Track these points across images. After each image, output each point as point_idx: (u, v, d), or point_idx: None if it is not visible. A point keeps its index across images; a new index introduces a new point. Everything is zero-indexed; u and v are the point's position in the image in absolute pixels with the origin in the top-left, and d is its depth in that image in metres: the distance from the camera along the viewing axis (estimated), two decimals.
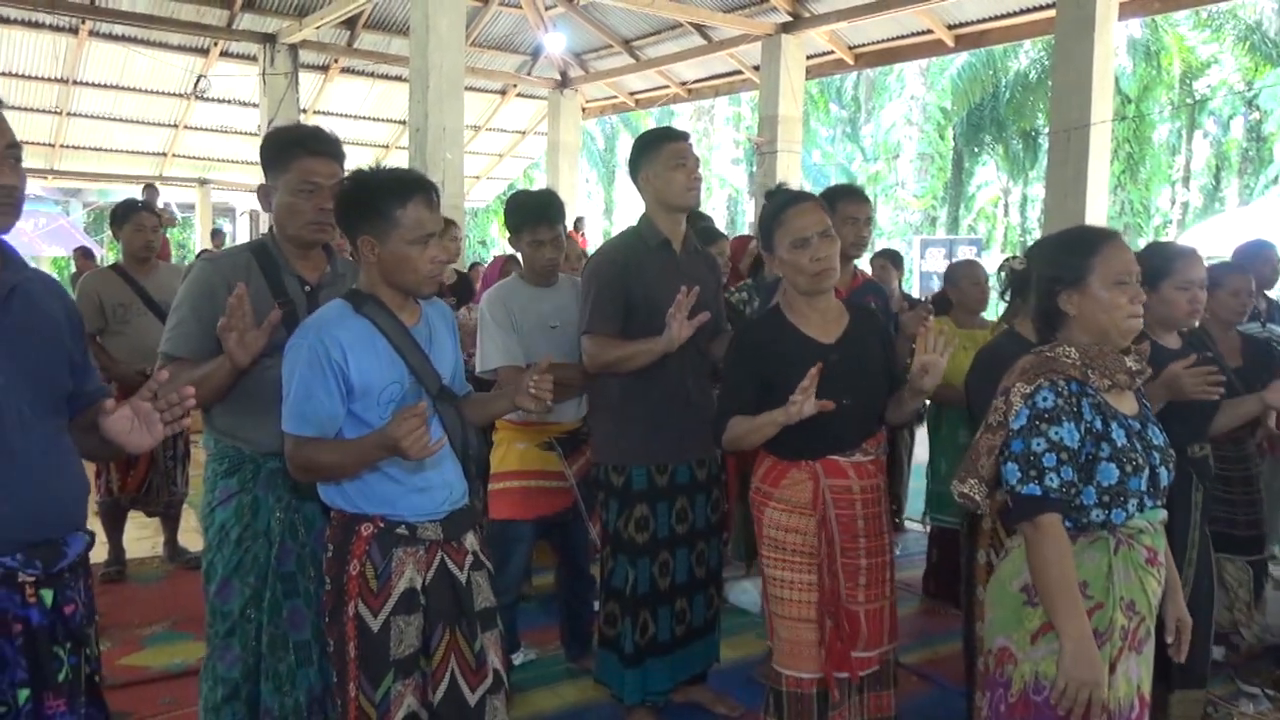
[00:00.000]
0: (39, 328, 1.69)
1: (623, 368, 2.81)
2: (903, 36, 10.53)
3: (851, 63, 11.37)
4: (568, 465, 3.16)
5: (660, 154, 2.87)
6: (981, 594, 2.61)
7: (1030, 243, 4.08)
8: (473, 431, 2.22)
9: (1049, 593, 1.84)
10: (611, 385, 2.91)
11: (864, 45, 11.01)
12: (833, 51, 11.09)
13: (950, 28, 10.05)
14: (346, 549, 2.05)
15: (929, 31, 10.13)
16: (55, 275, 17.76)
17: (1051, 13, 8.29)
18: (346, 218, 2.06)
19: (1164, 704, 2.77)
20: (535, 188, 6.81)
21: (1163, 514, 1.96)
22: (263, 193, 2.37)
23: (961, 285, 4.05)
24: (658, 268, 2.86)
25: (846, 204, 3.23)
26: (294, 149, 2.29)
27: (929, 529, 4.33)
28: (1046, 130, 9.48)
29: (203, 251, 11.36)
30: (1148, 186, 20.86)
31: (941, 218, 23.71)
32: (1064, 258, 1.99)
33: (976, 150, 23.14)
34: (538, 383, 2.09)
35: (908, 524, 5.31)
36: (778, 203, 2.46)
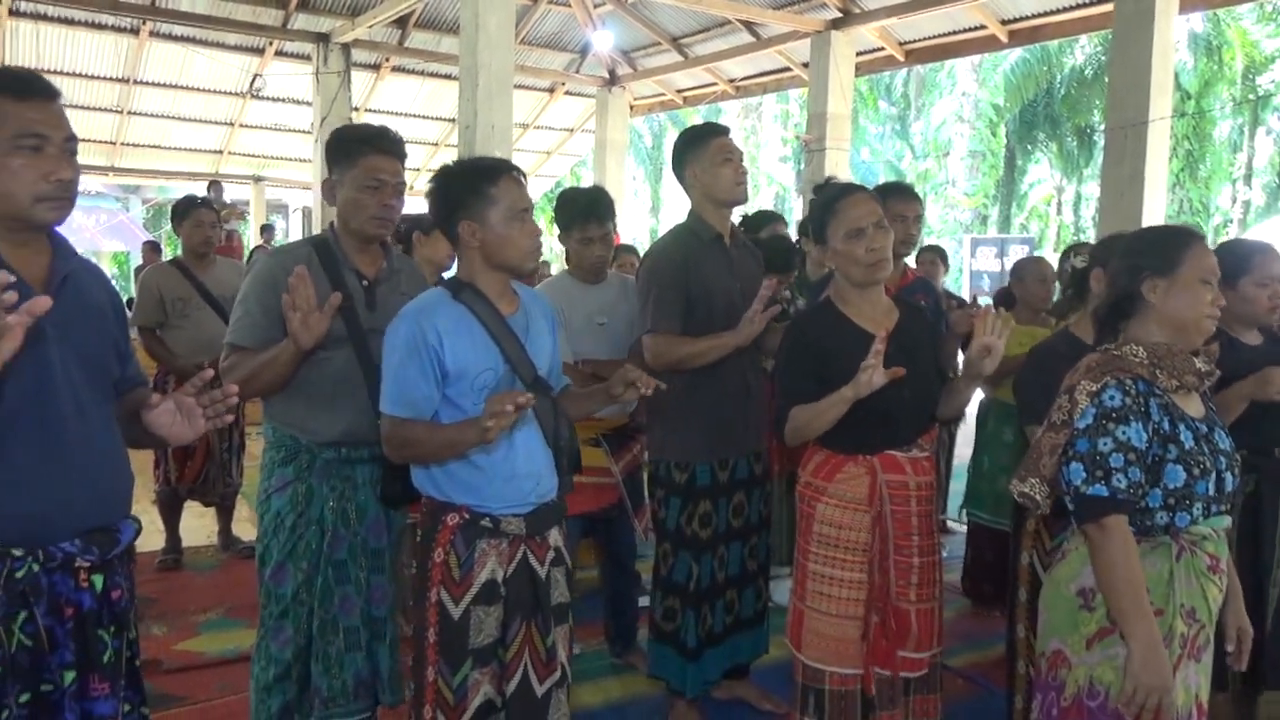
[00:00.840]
0: (89, 315, 1.73)
1: (691, 364, 2.80)
2: (955, 32, 10.38)
3: (902, 59, 11.23)
4: (614, 461, 3.18)
5: (706, 150, 2.87)
6: (1023, 596, 2.58)
7: (1083, 242, 4.01)
8: (565, 424, 2.23)
9: (1116, 596, 1.80)
10: (675, 382, 2.87)
11: (915, 41, 10.86)
12: (883, 48, 10.96)
13: (1004, 23, 9.88)
14: (432, 537, 2.11)
15: (982, 27, 9.97)
16: (115, 270, 18.26)
17: (1109, 6, 8.10)
18: (443, 211, 2.12)
19: (1253, 704, 2.74)
20: (582, 185, 6.85)
21: (1227, 521, 1.92)
22: (327, 187, 2.44)
23: (1028, 282, 3.99)
24: (712, 262, 2.87)
25: (896, 201, 3.21)
26: (362, 146, 2.37)
27: (966, 524, 4.28)
28: (1102, 127, 9.30)
29: (256, 248, 11.59)
30: (1208, 185, 20.36)
31: (993, 216, 23.36)
32: (1157, 245, 1.96)
33: (1029, 148, 22.76)
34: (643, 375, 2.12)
35: (949, 525, 5.25)
36: (830, 194, 2.46)
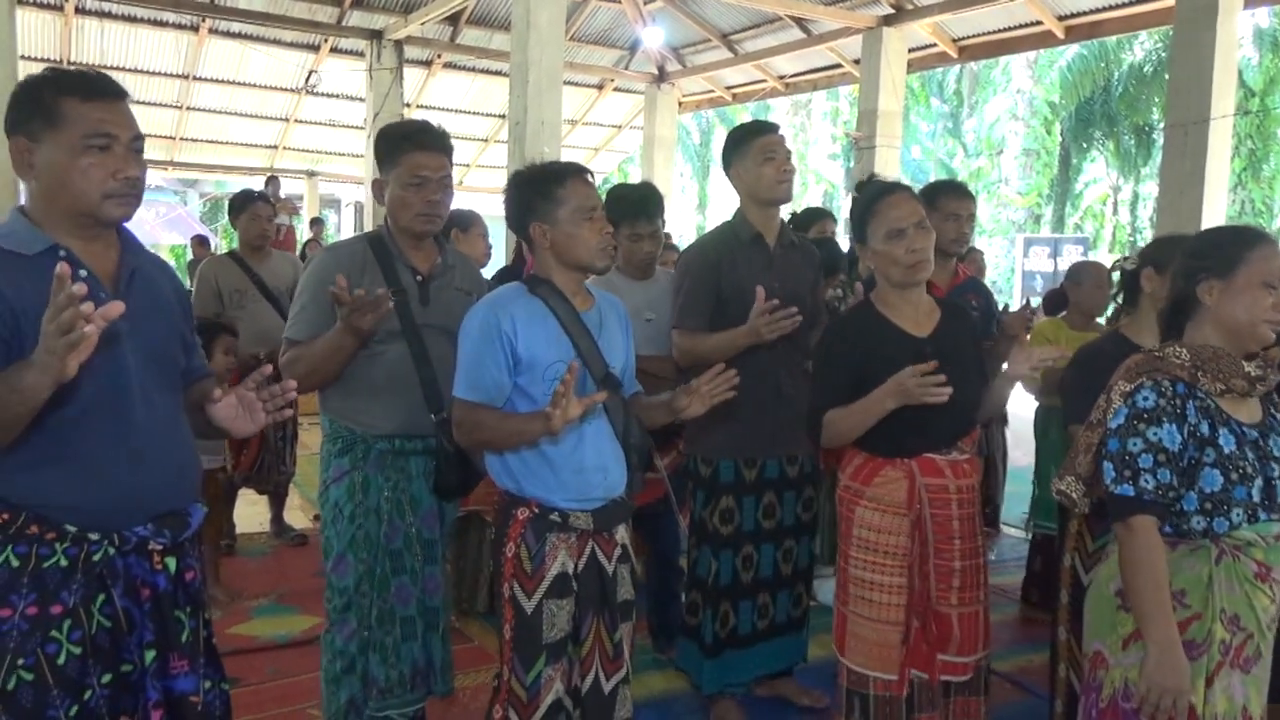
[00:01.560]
0: (157, 309, 1.78)
1: (711, 360, 2.80)
2: (1010, 28, 10.22)
3: (955, 56, 11.08)
4: (659, 457, 3.19)
5: (750, 148, 2.87)
6: (1065, 598, 2.56)
7: (1140, 243, 3.93)
8: (635, 422, 2.27)
9: (1137, 596, 1.80)
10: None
11: (969, 38, 10.71)
12: (935, 44, 10.83)
13: (1061, 19, 9.71)
14: (504, 532, 2.15)
15: (1038, 23, 9.80)
16: (173, 262, 18.69)
17: (1170, 1, 7.93)
18: (516, 214, 2.18)
19: None
20: (630, 182, 6.87)
21: (1278, 528, 1.87)
22: (376, 187, 2.48)
23: (1085, 286, 3.83)
24: (749, 262, 2.87)
25: (948, 199, 3.18)
26: (404, 144, 2.40)
27: (1032, 536, 4.21)
28: (1162, 125, 9.09)
29: (308, 241, 11.79)
30: (1271, 185, 19.79)
31: (1046, 215, 22.95)
32: (1216, 246, 1.92)
33: (1085, 146, 22.30)
34: (710, 387, 2.13)
35: (1005, 529, 5.19)
36: (871, 194, 2.44)
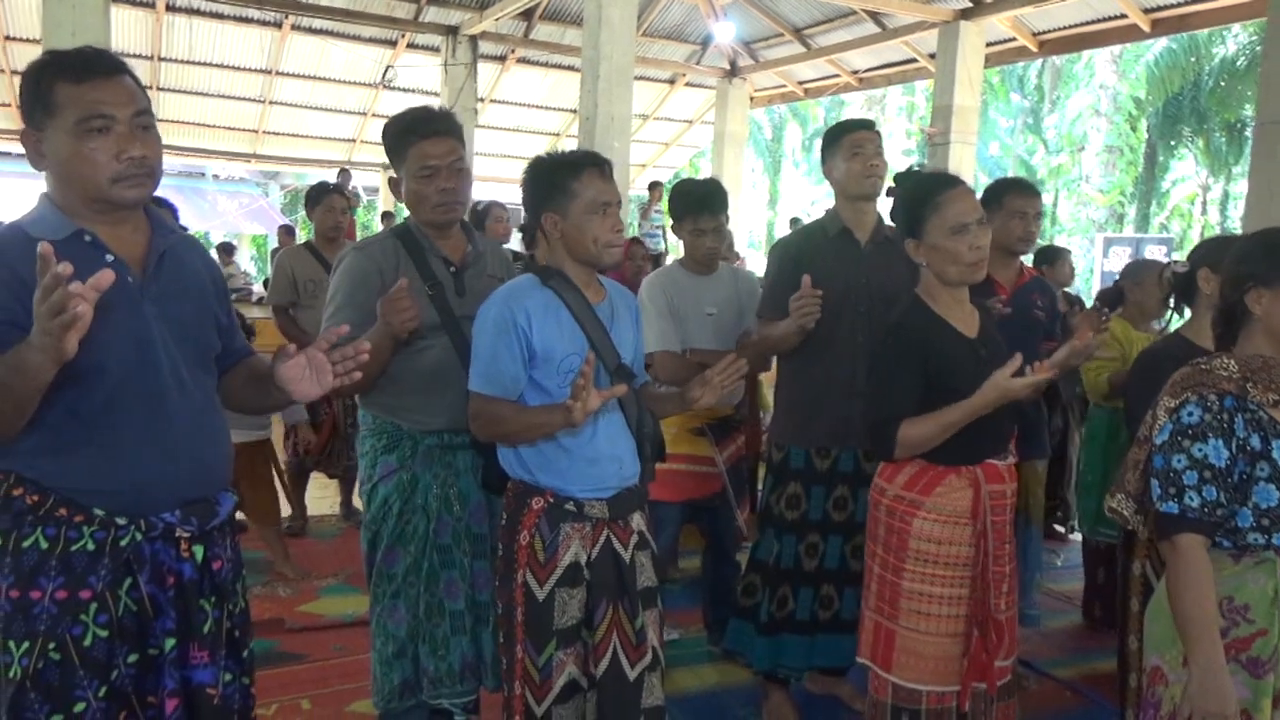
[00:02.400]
0: (188, 290, 1.74)
1: (777, 350, 2.88)
2: (1093, 21, 9.95)
3: (1035, 50, 10.83)
4: (718, 451, 3.21)
5: (842, 144, 2.86)
6: (1135, 606, 2.49)
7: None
8: (647, 412, 2.27)
9: (1181, 616, 1.75)
10: (783, 367, 2.99)
11: (1050, 31, 10.46)
12: (1015, 38, 10.60)
13: (1147, 11, 9.42)
14: (518, 520, 2.14)
15: (1123, 16, 9.53)
16: (254, 251, 19.15)
17: None
18: (530, 200, 2.17)
19: None
20: (700, 177, 6.88)
21: None
22: (393, 185, 2.45)
23: (1145, 285, 3.66)
24: (834, 256, 2.85)
25: (1015, 197, 3.13)
26: (408, 136, 2.33)
27: (1095, 544, 4.10)
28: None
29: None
30: None
31: (1130, 214, 22.26)
32: (1262, 253, 1.86)
33: (1173, 143, 21.58)
34: (721, 377, 2.12)
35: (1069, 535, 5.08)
36: (927, 186, 2.33)
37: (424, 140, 2.32)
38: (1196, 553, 1.75)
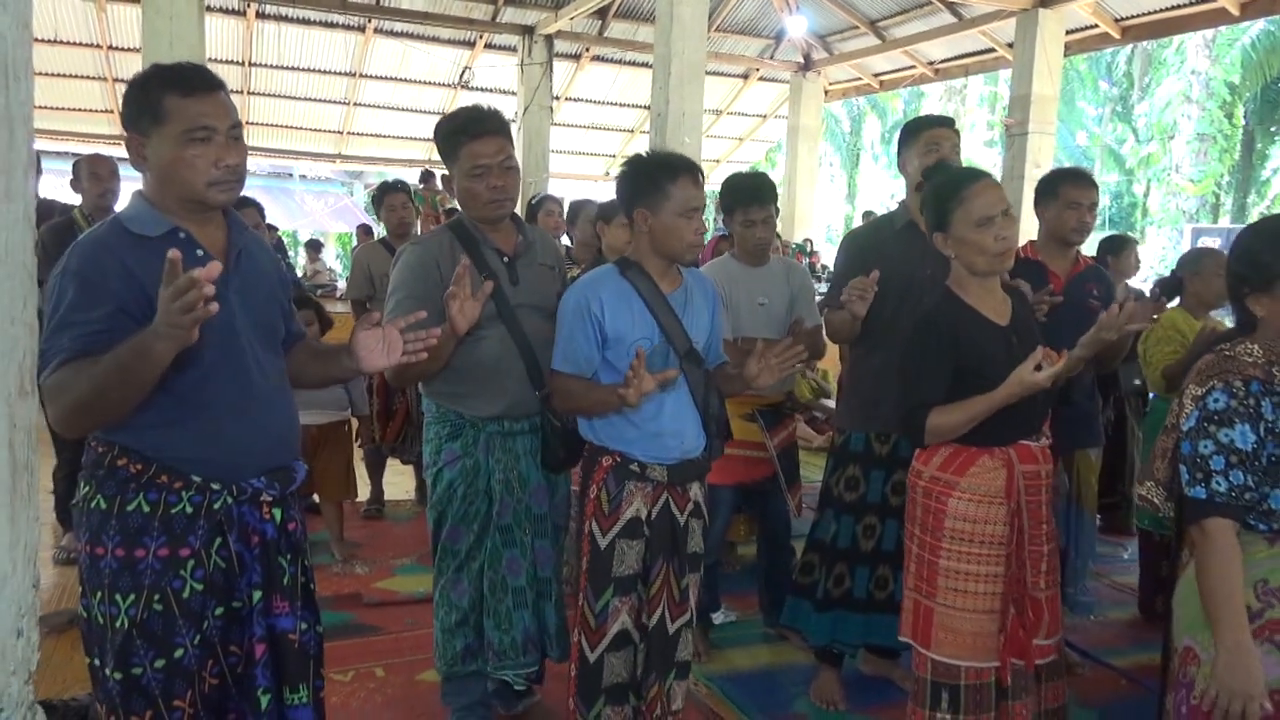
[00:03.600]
0: (261, 282, 1.93)
1: (841, 338, 3.00)
2: (1179, 6, 9.65)
3: (1118, 37, 10.53)
4: (769, 436, 3.30)
5: (919, 140, 2.95)
6: None
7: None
8: (715, 394, 2.43)
9: (1209, 598, 1.79)
10: (849, 355, 3.13)
11: (1133, 17, 10.16)
12: (1096, 25, 10.34)
13: None
14: (590, 476, 2.38)
15: None
16: (340, 249, 19.74)
17: None
18: (626, 195, 2.36)
19: None
20: (775, 170, 6.93)
21: None
22: (446, 184, 2.65)
23: (1205, 274, 3.53)
24: (901, 248, 2.92)
25: (1070, 188, 3.14)
26: (459, 137, 2.46)
27: (1157, 538, 4.04)
28: None
29: None
30: None
31: (1226, 205, 21.44)
32: (1255, 255, 1.88)
33: (1273, 130, 20.71)
34: (778, 358, 2.28)
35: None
36: (954, 181, 2.39)
37: (474, 140, 2.44)
38: (1225, 536, 1.79)
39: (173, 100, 1.72)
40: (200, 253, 1.78)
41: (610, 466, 2.35)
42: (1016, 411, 2.27)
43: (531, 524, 2.60)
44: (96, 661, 1.77)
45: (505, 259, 2.56)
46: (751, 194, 3.23)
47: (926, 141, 2.90)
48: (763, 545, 3.62)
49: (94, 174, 4.02)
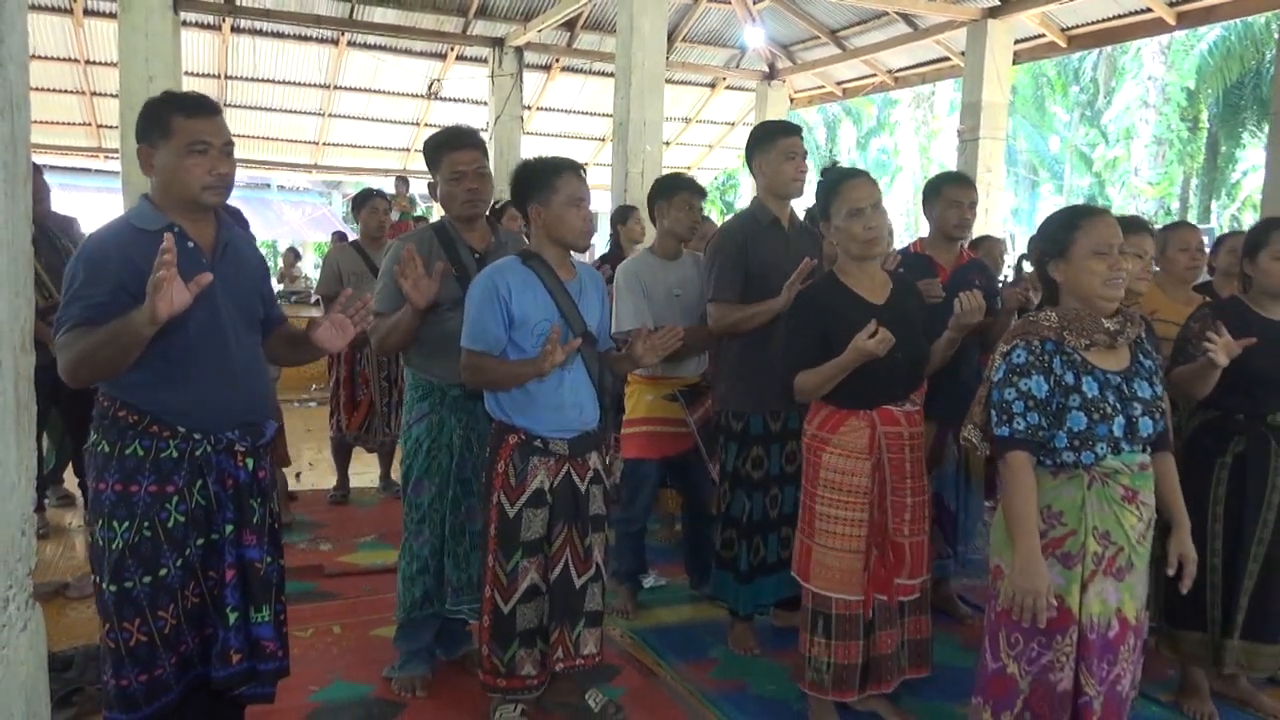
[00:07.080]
0: (243, 271, 2.30)
1: (745, 327, 3.29)
2: (1120, 16, 10.11)
3: (1064, 45, 10.98)
4: (689, 413, 3.66)
5: (775, 146, 3.28)
6: None
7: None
8: (608, 371, 2.79)
9: (1010, 517, 2.17)
10: (733, 344, 3.38)
11: (1078, 27, 10.62)
12: (1044, 34, 10.80)
13: (1171, 4, 9.54)
14: (497, 452, 2.69)
15: (1148, 10, 9.69)
16: (319, 257, 20.00)
17: None
18: (520, 195, 2.72)
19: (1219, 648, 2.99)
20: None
21: (1142, 457, 2.20)
22: (431, 189, 3.03)
23: (1168, 251, 3.53)
24: (770, 243, 3.29)
25: (951, 188, 3.53)
26: (442, 149, 2.92)
27: None
28: None
29: None
30: None
31: (1182, 206, 21.95)
32: (1048, 232, 2.26)
33: (1238, 132, 21.25)
34: (658, 340, 2.66)
35: None
36: (833, 177, 2.79)
37: (454, 151, 2.90)
38: (1023, 467, 2.17)
39: (179, 120, 2.10)
40: (190, 244, 2.16)
41: (516, 444, 2.66)
42: (879, 379, 2.65)
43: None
44: (96, 578, 2.15)
45: (477, 255, 2.96)
46: (679, 184, 3.73)
47: (785, 149, 3.26)
48: (687, 513, 3.98)
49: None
